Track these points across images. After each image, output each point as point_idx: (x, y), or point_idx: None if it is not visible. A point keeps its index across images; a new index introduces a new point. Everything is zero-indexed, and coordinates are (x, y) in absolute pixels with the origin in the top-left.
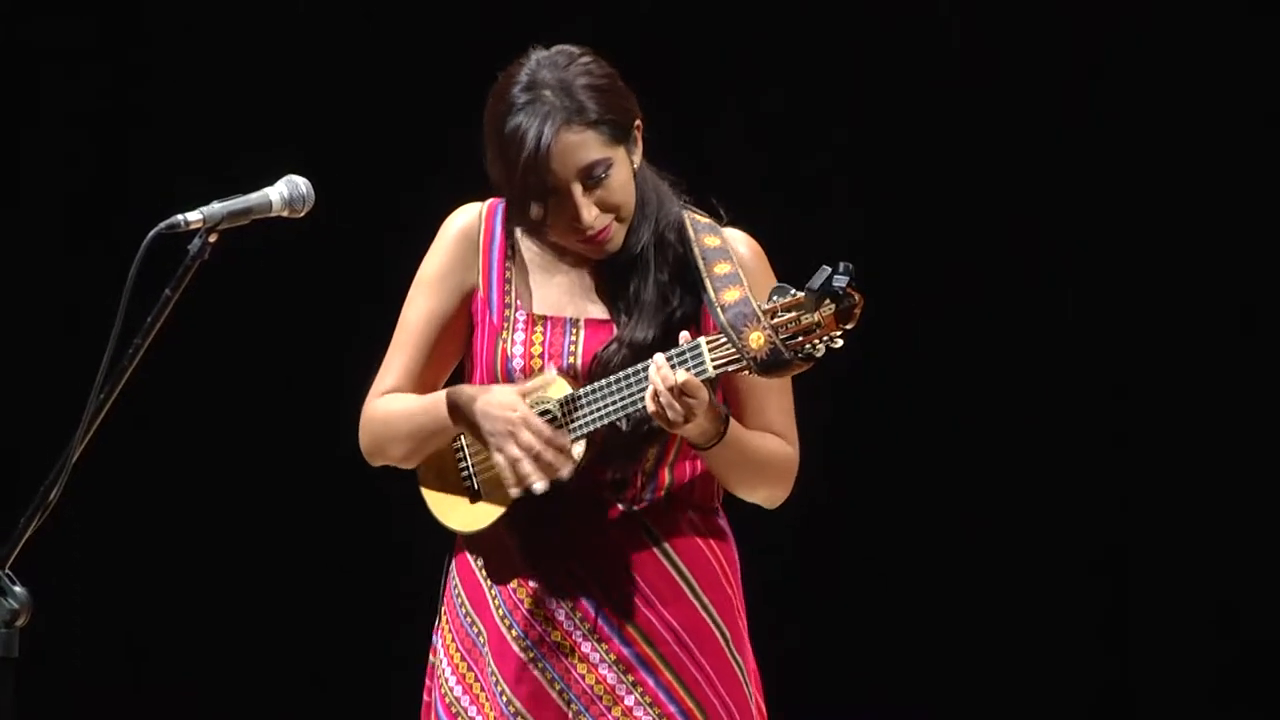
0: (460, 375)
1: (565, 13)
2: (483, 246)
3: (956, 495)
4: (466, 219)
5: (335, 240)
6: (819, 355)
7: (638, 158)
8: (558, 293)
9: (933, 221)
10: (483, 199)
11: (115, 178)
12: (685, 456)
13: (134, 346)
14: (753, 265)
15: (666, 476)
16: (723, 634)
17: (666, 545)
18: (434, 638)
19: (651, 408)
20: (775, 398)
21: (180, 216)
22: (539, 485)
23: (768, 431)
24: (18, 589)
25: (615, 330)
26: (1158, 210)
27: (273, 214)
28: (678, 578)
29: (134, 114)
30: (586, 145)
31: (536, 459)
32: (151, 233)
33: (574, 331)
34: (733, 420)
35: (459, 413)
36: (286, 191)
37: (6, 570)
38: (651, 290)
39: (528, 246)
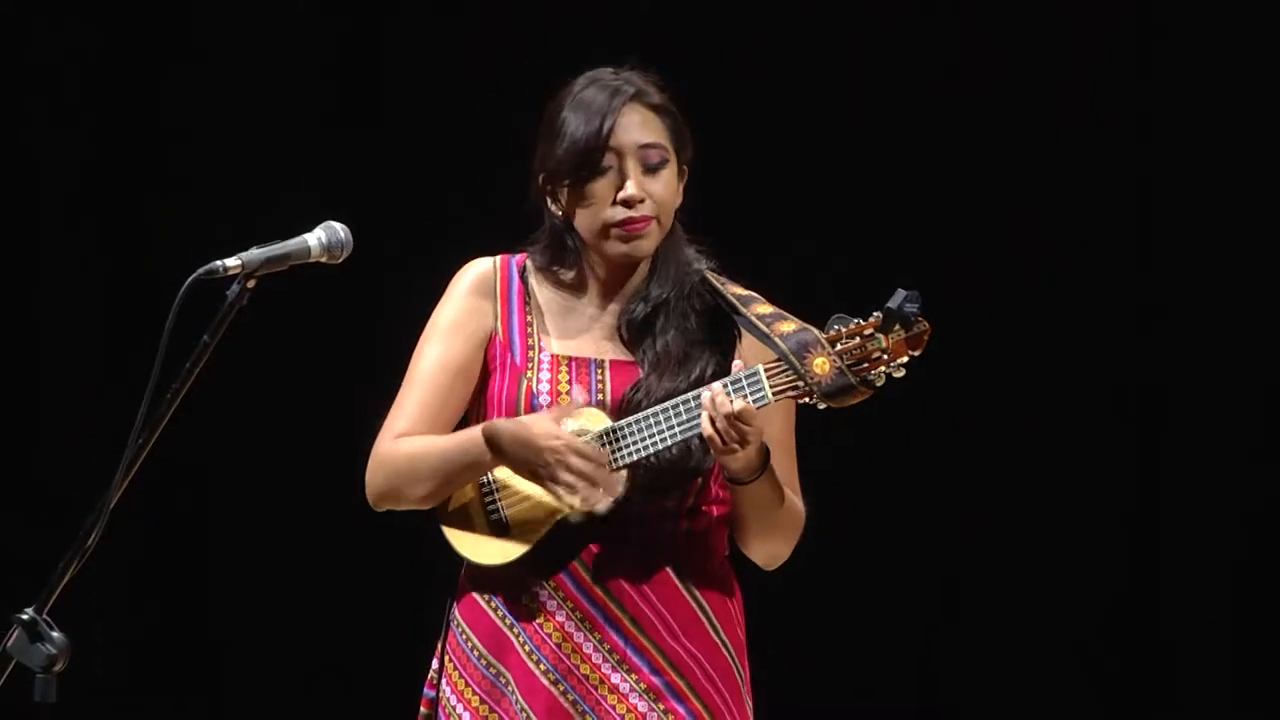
0: (466, 424)
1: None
2: (500, 293)
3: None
4: (481, 269)
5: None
6: (880, 384)
7: (679, 198)
8: (579, 336)
9: (929, 221)
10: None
11: (154, 224)
12: (704, 503)
13: (172, 392)
14: None
15: (686, 520)
16: (740, 675)
17: (689, 582)
18: (428, 691)
19: (707, 431)
20: (785, 457)
21: (219, 262)
22: (601, 506)
23: None
24: (55, 634)
25: (641, 373)
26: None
27: (311, 260)
28: (700, 613)
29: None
30: (650, 125)
31: (590, 482)
32: (190, 278)
33: (600, 371)
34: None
35: (497, 445)
36: (325, 237)
37: (45, 615)
38: (678, 339)
39: (544, 293)
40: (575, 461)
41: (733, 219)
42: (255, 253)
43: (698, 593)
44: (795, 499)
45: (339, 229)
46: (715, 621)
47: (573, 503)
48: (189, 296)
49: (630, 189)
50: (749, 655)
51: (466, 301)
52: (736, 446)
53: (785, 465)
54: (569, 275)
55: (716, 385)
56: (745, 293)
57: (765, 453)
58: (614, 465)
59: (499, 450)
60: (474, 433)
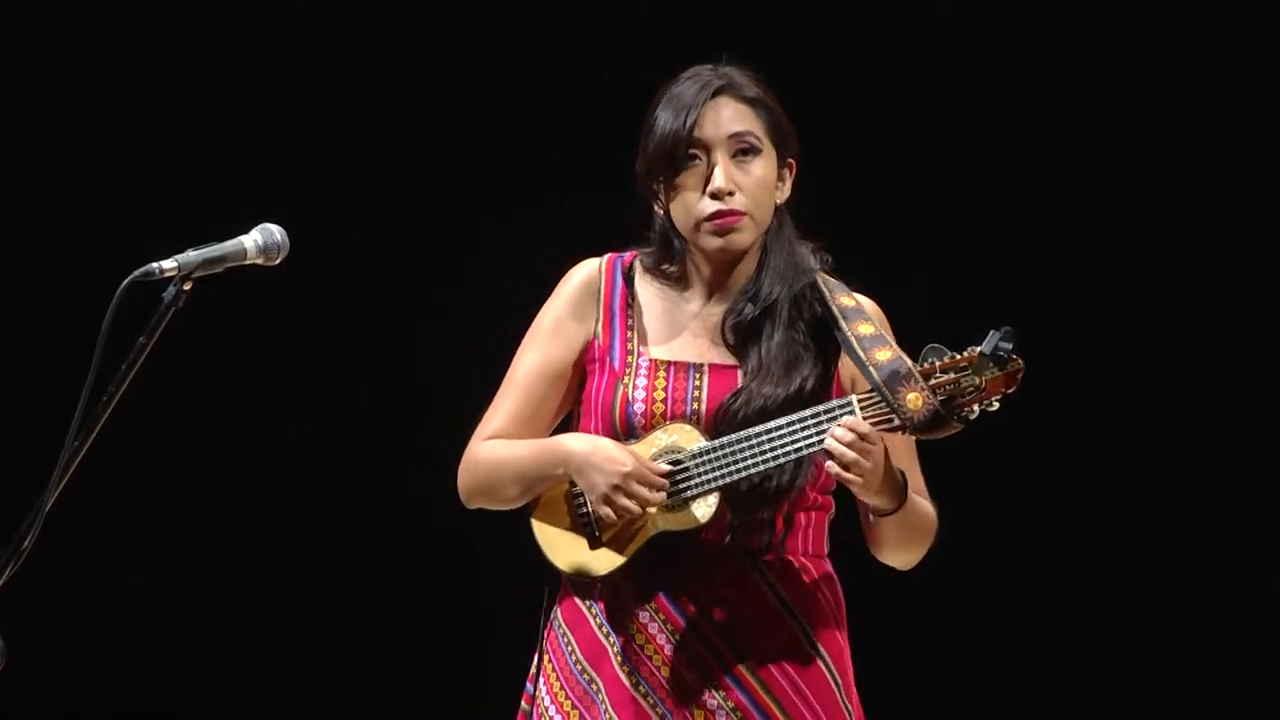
0: (567, 427)
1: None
2: (603, 297)
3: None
4: (587, 271)
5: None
6: (973, 418)
7: (784, 193)
8: (681, 339)
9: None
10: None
11: (96, 225)
12: (800, 506)
13: (108, 394)
14: (885, 329)
15: (782, 524)
16: (836, 682)
17: (782, 592)
18: (529, 685)
19: (839, 452)
20: (908, 457)
21: (155, 264)
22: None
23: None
24: None
25: (740, 378)
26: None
27: (247, 261)
28: (794, 625)
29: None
30: (741, 116)
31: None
32: (126, 281)
33: (698, 377)
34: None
35: (567, 463)
36: (261, 239)
37: None
38: (784, 344)
39: (648, 294)
40: (635, 487)
41: (858, 287)
42: (191, 255)
43: (793, 605)
44: (930, 507)
45: (275, 231)
46: (811, 633)
47: (605, 513)
48: (125, 298)
49: (718, 180)
50: (854, 656)
51: (570, 304)
52: (868, 468)
53: (909, 467)
54: (675, 272)
55: (810, 412)
56: (853, 304)
57: (902, 481)
58: (704, 486)
59: (567, 465)
60: (550, 443)
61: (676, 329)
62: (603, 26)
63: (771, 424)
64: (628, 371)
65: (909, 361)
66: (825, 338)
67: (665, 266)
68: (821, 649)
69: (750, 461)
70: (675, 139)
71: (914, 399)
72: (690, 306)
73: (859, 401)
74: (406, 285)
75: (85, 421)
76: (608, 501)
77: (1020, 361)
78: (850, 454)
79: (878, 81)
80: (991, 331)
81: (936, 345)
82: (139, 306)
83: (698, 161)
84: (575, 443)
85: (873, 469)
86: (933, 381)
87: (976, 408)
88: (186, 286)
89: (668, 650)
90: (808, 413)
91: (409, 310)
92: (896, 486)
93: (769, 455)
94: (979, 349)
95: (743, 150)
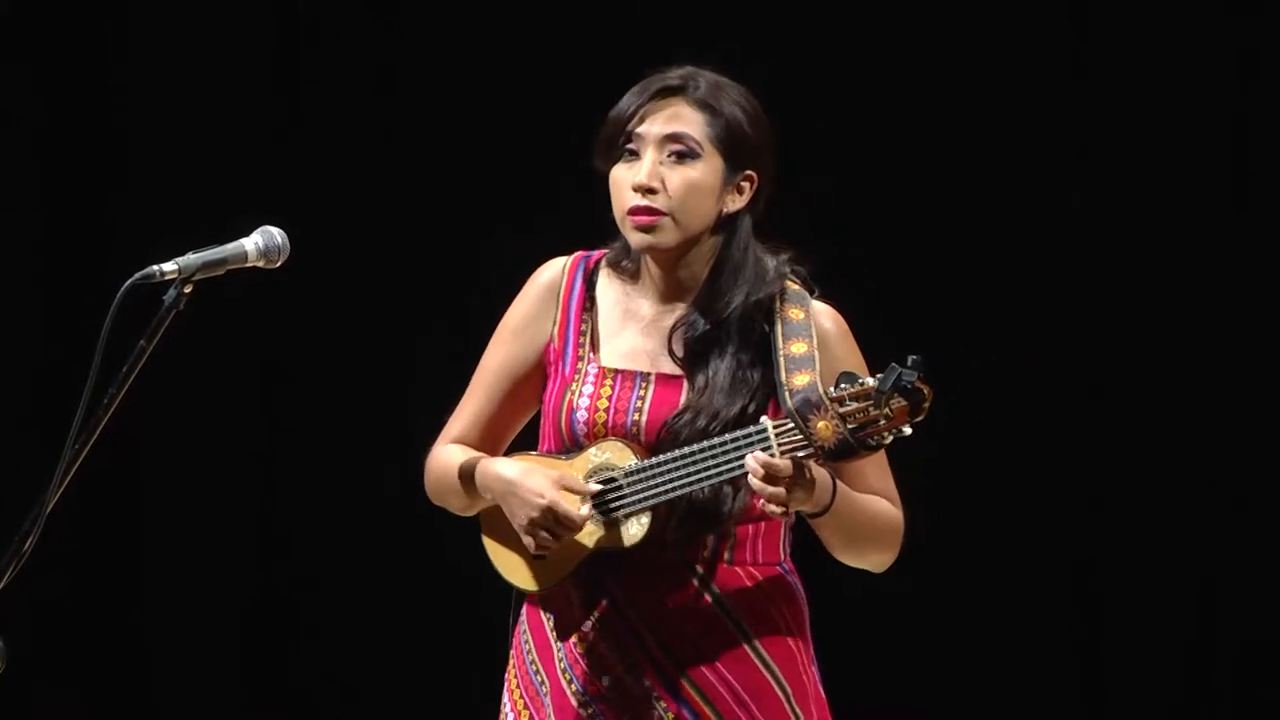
0: (537, 424)
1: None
2: (562, 297)
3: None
4: (552, 271)
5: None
6: (886, 443)
7: (733, 204)
8: (632, 345)
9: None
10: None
11: (94, 229)
12: (748, 522)
13: (109, 397)
14: (834, 341)
15: (729, 541)
16: (783, 690)
17: (726, 603)
18: (506, 677)
19: (766, 493)
20: (873, 466)
21: (155, 267)
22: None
23: (871, 494)
24: None
25: (685, 393)
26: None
27: (248, 264)
28: (738, 634)
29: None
30: (684, 118)
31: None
32: (126, 284)
33: (643, 386)
34: (841, 487)
35: (492, 489)
36: (262, 242)
37: None
38: (730, 368)
39: (607, 296)
40: (552, 526)
41: (824, 294)
42: (192, 257)
43: (737, 615)
44: (888, 509)
45: (276, 234)
46: (757, 642)
47: (526, 542)
48: (125, 301)
49: (639, 175)
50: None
51: (533, 305)
52: (783, 499)
53: (874, 470)
54: (631, 269)
55: (730, 437)
56: (801, 318)
57: (829, 485)
58: (639, 504)
59: (492, 491)
60: (482, 470)
61: (629, 333)
62: (600, 28)
63: (696, 447)
64: (577, 378)
65: (821, 390)
66: (770, 359)
67: (625, 262)
68: (767, 656)
69: (679, 482)
70: (616, 125)
71: (824, 427)
72: (644, 309)
73: (774, 428)
74: (408, 286)
75: (86, 424)
76: (529, 533)
77: (926, 391)
78: (767, 489)
79: (874, 82)
80: (892, 365)
81: (850, 371)
82: (140, 309)
83: (634, 155)
84: (501, 469)
85: (786, 494)
86: (843, 410)
87: (888, 436)
88: (187, 289)
89: (608, 657)
90: (728, 438)
91: (410, 311)
92: (821, 494)
93: (695, 477)
94: (879, 383)
95: (678, 152)
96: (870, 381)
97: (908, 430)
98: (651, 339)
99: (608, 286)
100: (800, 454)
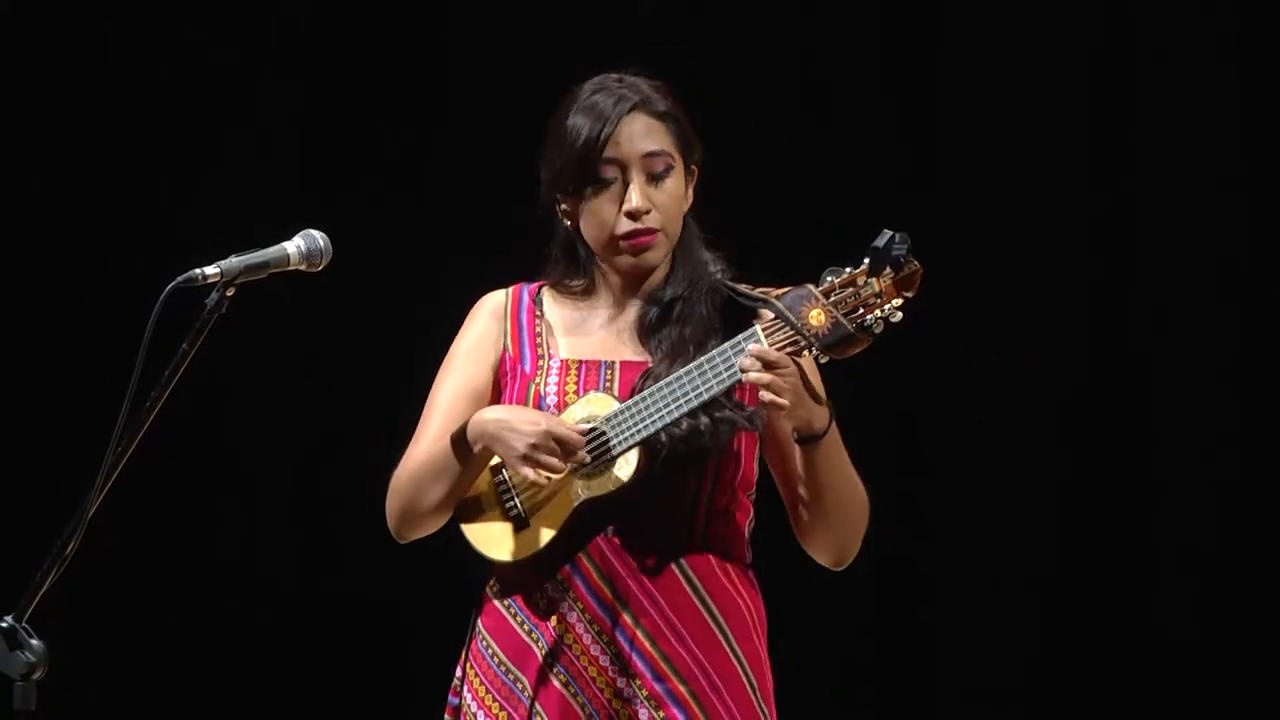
0: None
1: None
2: (510, 315)
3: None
4: (494, 299)
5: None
6: (879, 330)
7: (689, 201)
8: (590, 341)
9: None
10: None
11: (137, 230)
12: (719, 504)
13: (151, 400)
14: None
15: (702, 521)
16: (751, 684)
17: (701, 590)
18: (453, 698)
19: (752, 378)
20: (834, 446)
21: (198, 270)
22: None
23: None
24: (34, 642)
25: (651, 363)
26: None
27: (290, 268)
28: (711, 622)
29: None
30: (655, 133)
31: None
32: (169, 286)
33: (609, 372)
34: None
35: (482, 430)
36: (304, 245)
37: (23, 624)
38: (695, 329)
39: (556, 310)
40: (554, 446)
41: (734, 225)
42: (234, 261)
43: (711, 603)
44: (854, 473)
45: (318, 237)
46: (729, 632)
47: (526, 474)
48: (168, 304)
49: (634, 201)
50: (774, 665)
51: (479, 329)
52: (780, 386)
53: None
54: (580, 284)
55: (716, 350)
56: (750, 287)
57: (826, 410)
58: (622, 445)
59: (484, 435)
60: (465, 426)
61: (587, 334)
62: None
63: (680, 371)
64: (539, 373)
65: (809, 285)
66: (733, 320)
67: (571, 281)
68: (738, 650)
69: (665, 410)
70: (591, 156)
71: (816, 315)
72: (600, 315)
73: (763, 330)
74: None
75: (128, 427)
76: (527, 461)
77: (917, 265)
78: (765, 376)
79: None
80: (883, 230)
81: (835, 266)
82: (182, 312)
83: (611, 178)
84: (489, 412)
85: (791, 390)
86: (833, 298)
87: (879, 315)
88: (229, 292)
89: (585, 639)
90: (714, 352)
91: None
92: (820, 408)
93: (682, 400)
94: (872, 245)
95: (656, 168)
96: (856, 268)
97: (899, 315)
98: (610, 337)
99: (553, 305)
100: (792, 349)
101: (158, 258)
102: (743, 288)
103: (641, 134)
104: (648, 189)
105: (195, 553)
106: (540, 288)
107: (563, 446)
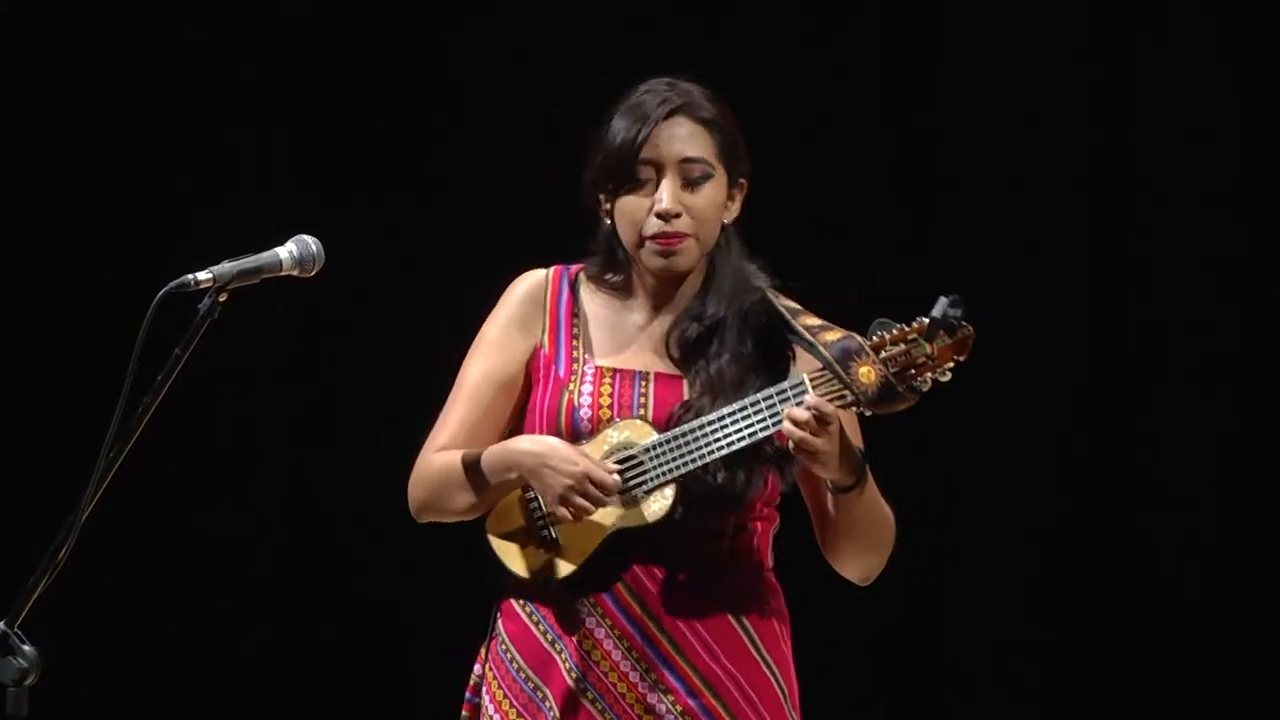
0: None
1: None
2: (549, 305)
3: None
4: (532, 281)
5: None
6: (926, 389)
7: (733, 212)
8: (626, 348)
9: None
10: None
11: (137, 230)
12: (749, 519)
13: (143, 405)
14: None
15: (729, 538)
16: (782, 690)
17: (730, 599)
18: (470, 695)
19: (797, 433)
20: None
21: (190, 276)
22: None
23: None
24: (27, 648)
25: (686, 389)
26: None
27: (283, 273)
28: (741, 633)
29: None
30: (695, 139)
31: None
32: (161, 292)
33: (643, 384)
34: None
35: (518, 465)
36: (296, 250)
37: (16, 629)
38: (733, 361)
39: (594, 304)
40: (590, 489)
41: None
42: (227, 266)
43: (739, 610)
44: (883, 502)
45: (310, 242)
46: (759, 641)
47: (561, 514)
48: (160, 310)
49: (665, 202)
50: (798, 671)
51: (515, 313)
52: (825, 446)
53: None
54: (619, 282)
55: (762, 395)
56: (797, 306)
57: (861, 457)
58: (658, 480)
59: (520, 467)
60: (501, 451)
61: (622, 340)
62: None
63: (724, 410)
64: (573, 378)
65: (859, 338)
66: (775, 352)
67: (609, 276)
68: (767, 656)
69: (705, 449)
70: (626, 153)
71: (866, 372)
72: (635, 318)
73: (811, 380)
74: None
75: (120, 433)
76: (563, 502)
77: (970, 328)
78: (804, 434)
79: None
80: (940, 298)
81: (884, 319)
82: (177, 316)
83: (647, 178)
84: (527, 445)
85: (829, 447)
86: (884, 354)
87: (929, 377)
88: (222, 298)
89: (615, 655)
90: (759, 395)
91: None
92: (856, 461)
93: (723, 441)
94: (928, 316)
95: (695, 174)
96: (916, 323)
97: (948, 375)
98: (645, 346)
99: (591, 298)
100: (839, 403)
101: (158, 258)
102: (788, 304)
103: (682, 138)
104: (682, 193)
105: (188, 557)
106: (578, 273)
107: (600, 489)
